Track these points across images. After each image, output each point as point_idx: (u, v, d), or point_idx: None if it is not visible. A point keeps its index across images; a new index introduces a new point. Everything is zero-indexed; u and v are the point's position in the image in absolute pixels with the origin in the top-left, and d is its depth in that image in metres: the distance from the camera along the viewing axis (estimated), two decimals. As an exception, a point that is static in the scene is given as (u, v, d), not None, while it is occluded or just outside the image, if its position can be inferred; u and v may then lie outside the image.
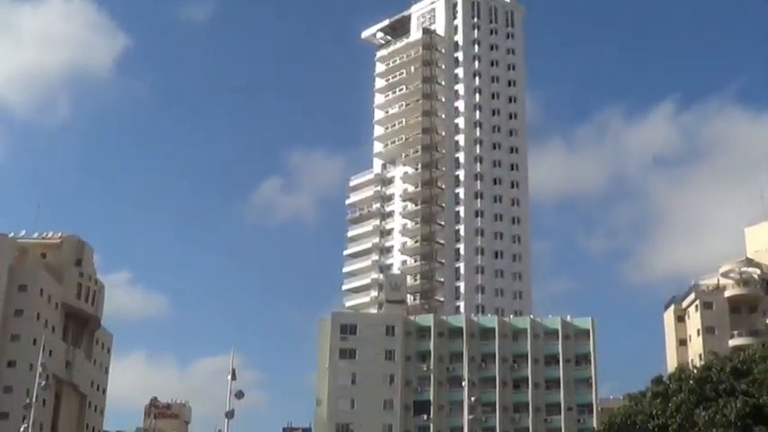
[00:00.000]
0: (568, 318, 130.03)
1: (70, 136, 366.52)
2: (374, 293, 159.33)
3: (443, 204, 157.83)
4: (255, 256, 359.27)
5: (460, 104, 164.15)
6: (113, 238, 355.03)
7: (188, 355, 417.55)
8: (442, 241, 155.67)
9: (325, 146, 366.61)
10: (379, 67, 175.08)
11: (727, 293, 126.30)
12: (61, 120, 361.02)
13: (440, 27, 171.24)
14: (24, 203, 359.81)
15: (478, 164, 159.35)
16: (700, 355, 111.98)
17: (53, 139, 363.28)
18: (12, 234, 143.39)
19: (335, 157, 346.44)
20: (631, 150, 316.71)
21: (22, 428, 63.78)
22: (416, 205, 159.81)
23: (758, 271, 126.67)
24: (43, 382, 65.94)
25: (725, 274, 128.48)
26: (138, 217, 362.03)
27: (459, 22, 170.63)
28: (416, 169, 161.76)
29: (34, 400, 63.23)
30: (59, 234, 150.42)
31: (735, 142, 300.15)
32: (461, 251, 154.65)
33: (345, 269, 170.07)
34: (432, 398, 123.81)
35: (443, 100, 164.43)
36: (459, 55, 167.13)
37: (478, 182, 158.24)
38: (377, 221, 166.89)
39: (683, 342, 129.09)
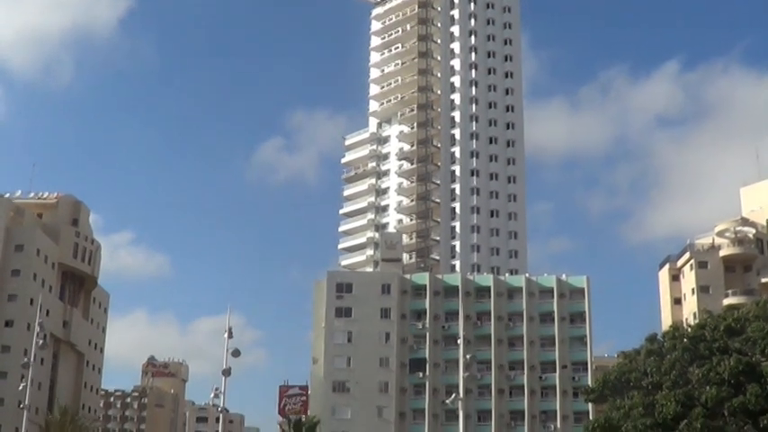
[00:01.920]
0: (563, 276, 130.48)
1: (73, 97, 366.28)
2: (370, 252, 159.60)
3: (439, 163, 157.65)
4: (256, 216, 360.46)
5: (456, 63, 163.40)
6: (116, 198, 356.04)
7: (188, 315, 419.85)
8: (437, 200, 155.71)
9: (327, 106, 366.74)
10: (375, 26, 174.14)
11: (722, 253, 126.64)
12: (64, 81, 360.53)
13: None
14: (26, 164, 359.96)
15: (474, 123, 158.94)
16: (694, 314, 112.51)
17: (55, 100, 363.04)
18: (7, 194, 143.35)
19: (337, 117, 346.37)
20: (634, 110, 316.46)
21: (20, 387, 64.15)
22: (412, 164, 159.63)
23: (753, 230, 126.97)
24: (41, 342, 66.19)
25: (720, 234, 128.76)
26: (140, 177, 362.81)
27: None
28: (412, 128, 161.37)
29: (32, 359, 63.53)
30: (55, 194, 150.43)
31: (738, 102, 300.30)
32: (457, 210, 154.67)
33: (341, 228, 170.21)
34: (427, 356, 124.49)
35: (439, 59, 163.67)
36: (455, 13, 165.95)
37: (474, 141, 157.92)
38: (372, 180, 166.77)
39: (677, 301, 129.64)
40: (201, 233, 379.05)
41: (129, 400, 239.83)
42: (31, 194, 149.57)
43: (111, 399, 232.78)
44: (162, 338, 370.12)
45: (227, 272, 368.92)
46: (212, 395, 68.96)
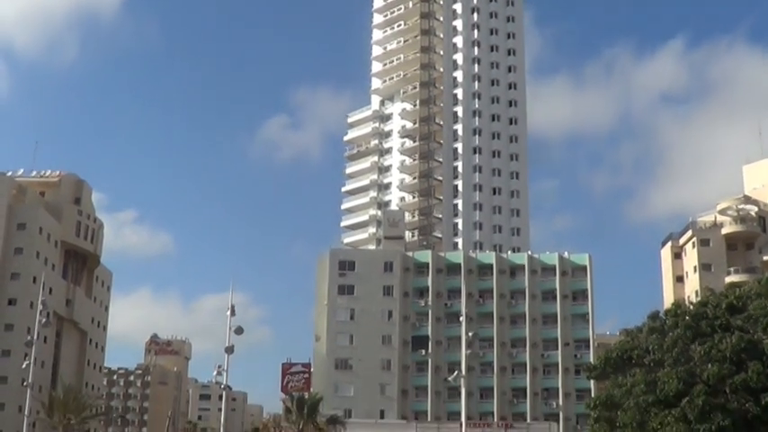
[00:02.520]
0: (566, 254, 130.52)
1: (76, 76, 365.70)
2: (372, 230, 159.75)
3: (441, 141, 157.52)
4: (261, 193, 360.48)
5: (458, 41, 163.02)
6: (120, 177, 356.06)
7: (192, 293, 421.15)
8: (440, 178, 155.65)
9: (331, 83, 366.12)
10: (377, 3, 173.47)
11: (724, 231, 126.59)
12: (68, 60, 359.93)
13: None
14: (29, 143, 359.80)
15: (476, 100, 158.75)
16: (696, 292, 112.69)
17: (59, 79, 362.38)
18: (10, 173, 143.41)
19: (341, 94, 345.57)
20: (639, 88, 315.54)
21: (23, 365, 64.35)
22: (414, 142, 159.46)
23: (755, 208, 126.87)
24: (44, 320, 66.37)
25: (722, 212, 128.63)
26: (143, 156, 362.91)
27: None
28: (414, 106, 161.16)
29: (35, 337, 63.73)
30: (58, 172, 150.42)
31: (743, 80, 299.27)
32: (459, 188, 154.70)
33: (344, 206, 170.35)
34: (430, 333, 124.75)
35: (441, 36, 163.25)
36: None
37: (476, 118, 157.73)
38: (375, 158, 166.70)
39: (679, 279, 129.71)
40: (206, 211, 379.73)
41: (132, 377, 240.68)
42: (34, 173, 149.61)
43: (115, 377, 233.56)
44: (166, 316, 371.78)
45: (231, 250, 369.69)
46: (215, 373, 69.26)
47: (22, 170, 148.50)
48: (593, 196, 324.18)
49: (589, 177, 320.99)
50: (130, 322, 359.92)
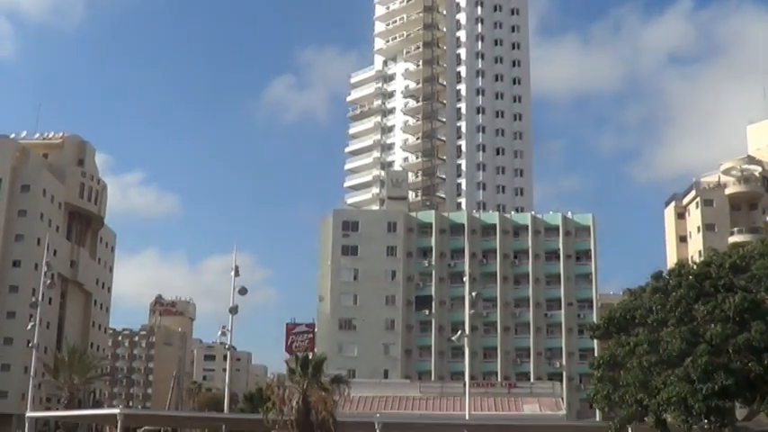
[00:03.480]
0: (569, 214, 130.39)
1: (83, 37, 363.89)
2: (376, 190, 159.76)
3: (445, 101, 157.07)
4: (268, 154, 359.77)
5: (462, 0, 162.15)
6: (126, 138, 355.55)
7: (198, 254, 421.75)
8: (443, 138, 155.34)
9: (338, 43, 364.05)
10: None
11: (728, 191, 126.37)
12: (74, 21, 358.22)
13: None
14: (34, 105, 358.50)
15: (480, 60, 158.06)
16: (699, 252, 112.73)
17: (65, 40, 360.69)
18: (13, 135, 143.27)
19: (348, 54, 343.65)
20: (646, 48, 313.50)
21: (29, 326, 64.61)
22: (417, 102, 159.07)
23: (759, 168, 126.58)
24: (48, 281, 66.58)
25: (726, 172, 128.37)
26: (150, 117, 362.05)
27: None
28: (417, 66, 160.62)
29: (40, 299, 63.96)
30: (61, 134, 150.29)
31: (750, 40, 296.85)
32: (463, 148, 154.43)
33: (347, 166, 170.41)
34: (433, 293, 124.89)
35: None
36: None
37: (480, 78, 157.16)
38: (378, 118, 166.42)
39: (683, 239, 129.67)
40: (212, 172, 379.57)
41: (136, 338, 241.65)
42: (37, 135, 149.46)
43: (120, 338, 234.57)
44: (172, 278, 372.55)
45: (237, 211, 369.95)
46: (219, 333, 69.58)
47: (25, 132, 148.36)
48: (598, 157, 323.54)
49: (595, 138, 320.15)
50: (136, 283, 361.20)
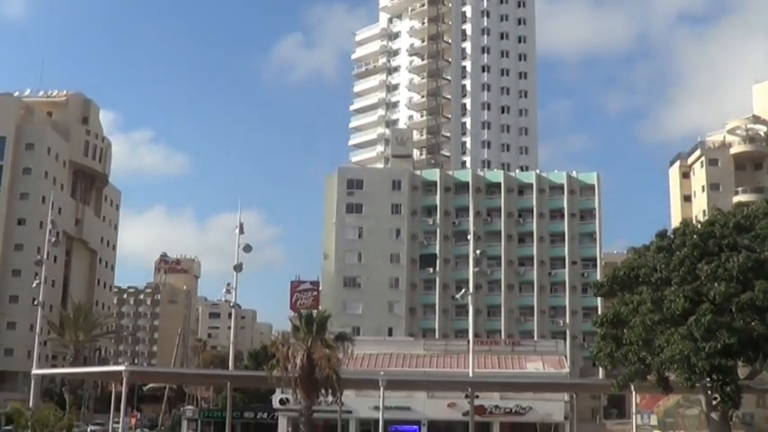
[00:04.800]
0: (574, 173, 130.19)
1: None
2: (380, 148, 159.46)
3: (449, 59, 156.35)
4: (275, 113, 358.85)
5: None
6: (135, 96, 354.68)
7: (206, 212, 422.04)
8: (448, 96, 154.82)
9: (347, 1, 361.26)
10: None
11: (733, 150, 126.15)
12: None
13: None
14: (46, 63, 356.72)
15: (485, 18, 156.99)
16: (703, 211, 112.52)
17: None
18: (17, 93, 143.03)
19: (356, 12, 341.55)
20: (657, 6, 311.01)
21: (33, 285, 64.81)
22: (423, 60, 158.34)
23: (764, 128, 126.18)
24: (53, 239, 66.69)
25: (731, 131, 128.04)
26: (158, 76, 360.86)
27: None
28: (423, 23, 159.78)
29: (45, 257, 64.08)
30: (65, 92, 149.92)
31: (761, 0, 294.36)
32: (468, 106, 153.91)
33: (352, 124, 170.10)
34: (438, 251, 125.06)
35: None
36: None
37: (485, 37, 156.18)
38: (383, 76, 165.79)
39: (687, 198, 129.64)
40: (221, 131, 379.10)
41: (142, 296, 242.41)
42: (41, 93, 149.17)
43: (125, 295, 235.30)
44: (179, 236, 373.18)
45: (246, 169, 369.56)
46: (224, 291, 69.81)
47: (29, 90, 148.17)
48: (606, 117, 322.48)
49: (603, 98, 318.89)
50: (144, 242, 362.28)
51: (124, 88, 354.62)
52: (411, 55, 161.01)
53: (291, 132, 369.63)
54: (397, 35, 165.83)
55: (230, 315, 72.98)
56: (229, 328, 77.18)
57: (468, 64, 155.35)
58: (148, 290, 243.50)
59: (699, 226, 51.12)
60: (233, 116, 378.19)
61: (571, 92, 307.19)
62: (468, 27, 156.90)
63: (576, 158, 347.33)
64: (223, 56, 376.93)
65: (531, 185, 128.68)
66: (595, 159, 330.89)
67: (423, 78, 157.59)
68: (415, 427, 76.97)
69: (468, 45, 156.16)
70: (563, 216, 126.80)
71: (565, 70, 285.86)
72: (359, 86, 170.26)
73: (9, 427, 76.31)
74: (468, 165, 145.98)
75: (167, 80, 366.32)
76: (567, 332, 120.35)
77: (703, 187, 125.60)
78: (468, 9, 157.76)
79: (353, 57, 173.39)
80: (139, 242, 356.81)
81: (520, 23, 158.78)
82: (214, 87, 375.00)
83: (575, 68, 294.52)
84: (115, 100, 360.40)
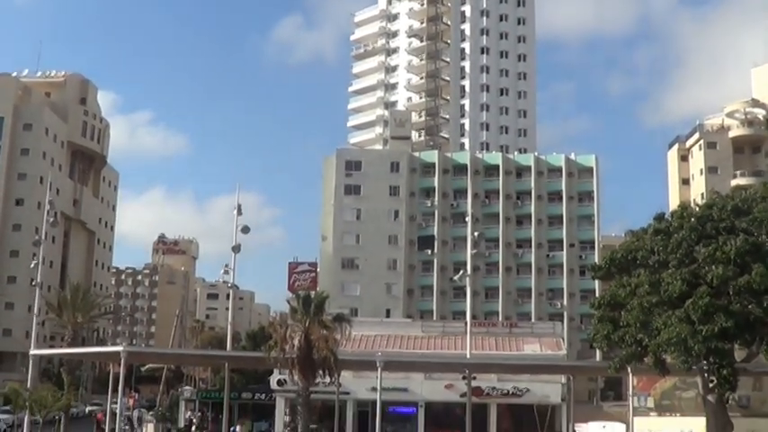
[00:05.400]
0: (572, 155, 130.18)
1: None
2: (379, 130, 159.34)
3: (449, 41, 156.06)
4: (275, 94, 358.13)
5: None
6: (134, 78, 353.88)
7: (205, 194, 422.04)
8: (447, 78, 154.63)
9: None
10: None
11: (732, 134, 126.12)
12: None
13: None
14: (45, 43, 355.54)
15: (484, 0, 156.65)
16: (702, 194, 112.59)
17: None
18: (15, 73, 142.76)
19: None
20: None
21: (32, 265, 64.80)
22: (421, 41, 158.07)
23: (763, 112, 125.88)
24: (51, 220, 66.60)
25: (730, 115, 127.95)
26: (158, 57, 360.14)
27: None
28: (422, 5, 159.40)
29: (43, 237, 64.05)
30: (63, 72, 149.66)
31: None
32: (467, 88, 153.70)
33: (351, 105, 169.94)
34: (436, 233, 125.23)
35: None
36: None
37: (484, 18, 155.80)
38: (382, 58, 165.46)
39: (685, 181, 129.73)
40: (221, 113, 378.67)
41: (140, 277, 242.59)
42: (39, 73, 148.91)
43: (123, 276, 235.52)
44: (178, 217, 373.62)
45: (246, 151, 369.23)
46: (222, 272, 69.86)
47: (27, 71, 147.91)
48: (607, 100, 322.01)
49: (604, 81, 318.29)
50: (143, 223, 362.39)
51: (124, 70, 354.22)
52: (410, 36, 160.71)
53: (291, 113, 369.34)
54: (396, 16, 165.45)
55: (228, 296, 72.99)
56: (227, 309, 77.16)
57: (467, 46, 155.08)
58: (146, 271, 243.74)
59: (697, 209, 51.04)
60: (233, 97, 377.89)
61: (572, 74, 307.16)
62: (467, 8, 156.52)
63: (576, 141, 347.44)
64: (223, 37, 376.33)
65: (529, 168, 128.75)
66: (596, 142, 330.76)
67: (421, 60, 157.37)
68: (412, 408, 77.15)
69: (467, 27, 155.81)
70: (561, 198, 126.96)
71: (566, 53, 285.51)
72: (357, 68, 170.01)
73: (7, 408, 76.53)
74: (466, 147, 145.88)
75: (167, 61, 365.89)
76: (565, 314, 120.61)
77: (702, 170, 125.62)
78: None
79: (352, 38, 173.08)
80: (139, 223, 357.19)
81: (519, 5, 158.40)
82: (214, 69, 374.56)
83: (576, 51, 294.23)
84: (115, 81, 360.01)
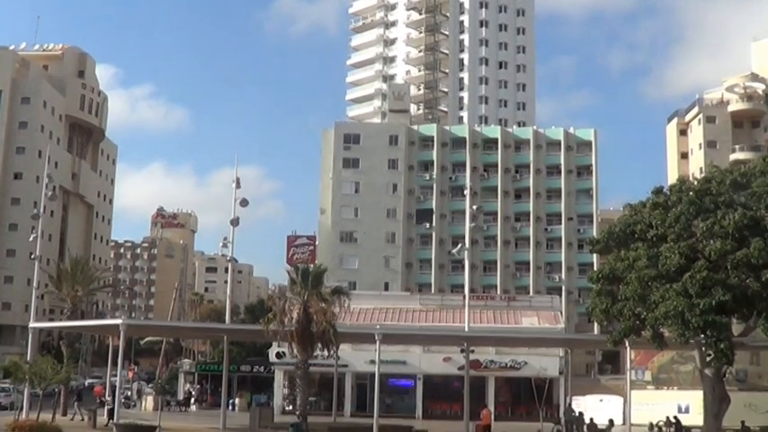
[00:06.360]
0: (571, 129, 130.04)
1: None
2: (377, 103, 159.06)
3: (447, 14, 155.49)
4: (276, 66, 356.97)
5: None
6: (135, 51, 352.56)
7: (206, 167, 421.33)
8: (446, 51, 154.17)
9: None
10: None
11: (731, 108, 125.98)
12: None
13: None
14: (43, 18, 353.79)
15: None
16: (700, 169, 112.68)
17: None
18: (12, 46, 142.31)
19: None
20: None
21: (30, 239, 64.84)
22: (420, 14, 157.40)
23: (762, 86, 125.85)
24: (50, 193, 66.57)
25: (729, 89, 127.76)
26: (159, 30, 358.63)
27: None
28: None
29: (42, 211, 64.04)
30: (60, 46, 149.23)
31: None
32: (465, 61, 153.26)
33: (349, 79, 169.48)
34: (434, 206, 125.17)
35: None
36: None
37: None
38: (380, 30, 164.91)
39: (684, 155, 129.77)
40: (222, 85, 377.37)
41: (138, 250, 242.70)
42: (36, 47, 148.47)
43: (122, 250, 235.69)
44: (179, 190, 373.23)
45: (247, 124, 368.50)
46: (221, 245, 69.85)
47: (24, 44, 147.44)
48: (609, 74, 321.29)
49: (605, 55, 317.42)
50: (144, 197, 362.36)
51: (125, 43, 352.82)
52: (409, 9, 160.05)
53: (292, 86, 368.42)
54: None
55: (227, 269, 73.08)
56: (226, 282, 77.38)
57: (466, 18, 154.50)
58: (145, 244, 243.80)
59: (695, 183, 51.14)
60: (234, 70, 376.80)
61: (573, 49, 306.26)
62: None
63: (577, 115, 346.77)
64: (224, 9, 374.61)
65: (528, 141, 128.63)
66: (596, 117, 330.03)
67: (420, 33, 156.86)
68: (410, 380, 77.47)
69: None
70: (560, 172, 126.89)
71: (567, 27, 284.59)
72: (356, 41, 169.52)
73: (7, 381, 76.76)
74: (465, 120, 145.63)
75: (168, 35, 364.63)
76: (563, 288, 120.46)
77: (700, 145, 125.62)
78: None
79: (351, 11, 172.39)
80: (139, 197, 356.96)
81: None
82: (215, 41, 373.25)
83: (577, 25, 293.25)
84: (115, 55, 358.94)
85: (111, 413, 55.01)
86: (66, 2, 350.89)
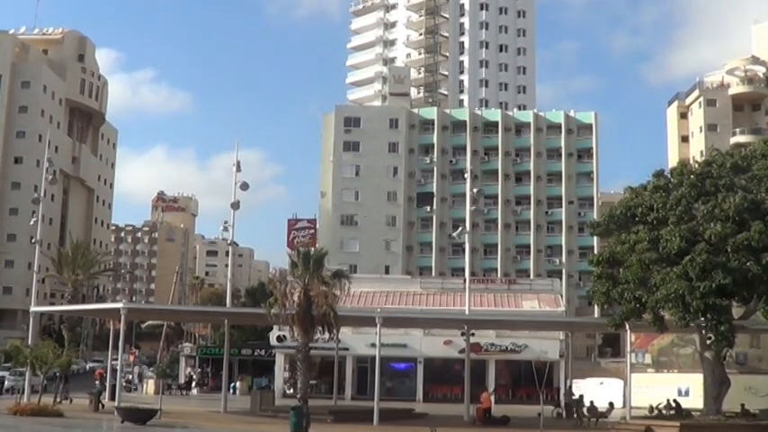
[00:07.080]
0: (572, 112, 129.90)
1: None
2: (378, 86, 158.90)
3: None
4: (278, 50, 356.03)
5: None
6: (138, 35, 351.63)
7: (208, 151, 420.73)
8: (446, 34, 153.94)
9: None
10: None
11: (731, 91, 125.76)
12: None
13: None
14: (43, 1, 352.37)
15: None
16: (701, 152, 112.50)
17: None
18: (12, 31, 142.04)
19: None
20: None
21: (31, 223, 64.81)
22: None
23: (763, 69, 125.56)
24: (50, 177, 66.47)
25: (730, 72, 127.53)
26: (161, 15, 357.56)
27: None
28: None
29: (42, 195, 63.94)
30: (60, 29, 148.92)
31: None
32: (466, 44, 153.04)
33: (349, 62, 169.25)
34: (435, 190, 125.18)
35: None
36: None
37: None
38: (381, 13, 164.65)
39: (685, 139, 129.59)
40: (224, 69, 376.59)
41: (139, 234, 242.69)
42: (36, 30, 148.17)
43: (122, 233, 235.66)
44: (181, 174, 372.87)
45: (249, 108, 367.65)
46: (221, 228, 69.86)
47: (24, 28, 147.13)
48: (611, 58, 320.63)
49: (608, 39, 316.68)
50: (145, 181, 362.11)
51: (126, 27, 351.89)
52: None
53: (294, 70, 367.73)
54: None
55: (228, 253, 73.06)
56: (227, 265, 77.27)
57: (466, 1, 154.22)
58: (146, 228, 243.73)
59: (696, 166, 51.11)
60: (236, 54, 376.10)
61: (575, 33, 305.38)
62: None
63: (579, 99, 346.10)
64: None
65: (528, 124, 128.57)
66: (598, 101, 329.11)
67: (421, 16, 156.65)
68: (411, 364, 77.62)
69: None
70: (560, 155, 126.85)
71: (569, 11, 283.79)
72: (356, 24, 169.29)
73: (8, 364, 76.91)
74: (465, 103, 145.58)
75: (169, 19, 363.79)
76: (564, 271, 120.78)
77: (701, 128, 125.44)
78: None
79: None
80: (141, 181, 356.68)
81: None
82: (217, 25, 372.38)
83: (579, 10, 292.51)
84: (117, 39, 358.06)
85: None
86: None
